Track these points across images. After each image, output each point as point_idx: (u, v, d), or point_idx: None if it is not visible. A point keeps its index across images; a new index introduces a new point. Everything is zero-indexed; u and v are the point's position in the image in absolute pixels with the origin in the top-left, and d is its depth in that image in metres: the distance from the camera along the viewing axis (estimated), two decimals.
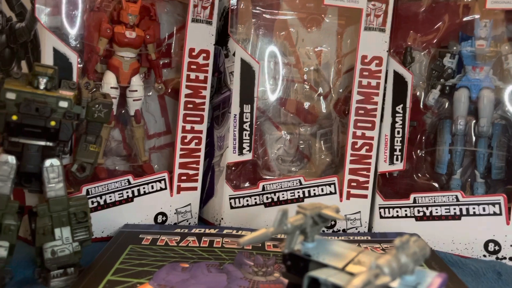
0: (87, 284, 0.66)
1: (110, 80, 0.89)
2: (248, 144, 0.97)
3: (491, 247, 0.89)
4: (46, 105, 0.68)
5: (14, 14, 0.82)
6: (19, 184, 0.72)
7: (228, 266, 0.74)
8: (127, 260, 0.74)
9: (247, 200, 0.98)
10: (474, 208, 0.91)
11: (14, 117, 0.66)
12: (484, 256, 0.90)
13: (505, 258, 0.88)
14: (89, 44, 0.89)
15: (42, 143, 0.70)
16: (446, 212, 0.93)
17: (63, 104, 0.70)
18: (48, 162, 0.71)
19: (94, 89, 0.89)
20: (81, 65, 0.87)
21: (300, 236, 0.55)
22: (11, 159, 0.68)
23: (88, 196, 0.88)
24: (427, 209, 0.94)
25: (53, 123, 0.69)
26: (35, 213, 0.72)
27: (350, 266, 0.51)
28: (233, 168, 1.01)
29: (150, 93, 0.99)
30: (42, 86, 0.70)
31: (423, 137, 1.02)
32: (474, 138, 0.95)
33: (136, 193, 0.92)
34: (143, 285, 0.66)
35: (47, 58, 0.79)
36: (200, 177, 0.98)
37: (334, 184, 0.98)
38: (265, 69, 1.04)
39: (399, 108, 0.97)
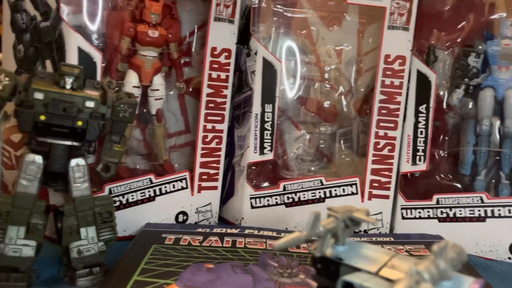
0: (114, 284, 0.66)
1: (132, 79, 0.89)
2: (269, 144, 0.96)
3: None
4: (73, 105, 0.68)
5: (39, 13, 0.82)
6: (44, 183, 0.72)
7: (253, 267, 0.74)
8: (151, 260, 0.74)
9: (267, 200, 0.97)
10: (499, 210, 0.90)
11: (42, 117, 0.67)
12: (509, 258, 0.89)
13: None
14: (112, 43, 0.89)
15: (69, 143, 0.71)
16: (470, 213, 0.92)
17: (90, 104, 0.70)
18: (74, 162, 0.71)
19: (117, 88, 0.89)
20: (104, 64, 0.87)
21: (331, 239, 0.55)
22: (38, 158, 0.69)
23: (111, 195, 0.88)
24: (450, 210, 0.93)
25: (80, 123, 0.69)
26: (60, 212, 0.72)
27: (384, 270, 0.50)
28: (253, 167, 1.01)
29: (172, 92, 0.99)
30: (68, 86, 0.70)
31: (446, 137, 1.01)
32: (498, 139, 0.94)
33: (157, 192, 0.92)
34: (170, 286, 0.66)
35: (72, 58, 0.79)
36: (220, 177, 0.98)
37: (356, 184, 0.97)
38: (284, 68, 1.03)
39: (422, 108, 0.96)
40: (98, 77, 0.81)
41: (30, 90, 0.67)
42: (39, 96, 0.67)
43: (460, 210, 0.93)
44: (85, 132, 0.70)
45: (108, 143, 0.76)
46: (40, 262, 0.72)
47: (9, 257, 0.67)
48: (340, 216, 0.54)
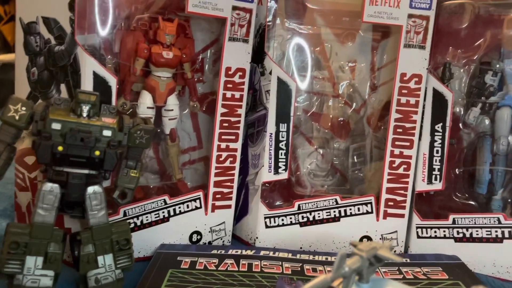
0: None
1: (146, 100, 0.88)
2: (284, 163, 0.96)
3: None
4: (90, 134, 0.67)
5: (53, 36, 0.81)
6: (61, 209, 0.71)
7: None
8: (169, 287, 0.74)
9: (282, 220, 0.97)
10: None
11: (60, 148, 0.66)
12: None
13: None
14: (125, 64, 0.88)
15: (86, 171, 0.70)
16: (487, 234, 0.91)
17: (107, 133, 0.69)
18: (91, 189, 0.71)
19: (131, 109, 0.89)
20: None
21: (355, 277, 0.55)
22: (56, 188, 0.68)
23: (125, 217, 0.87)
24: (467, 230, 0.93)
25: (97, 153, 0.68)
26: (77, 239, 0.72)
27: None
28: (267, 184, 1.00)
29: (186, 111, 0.98)
30: (85, 114, 0.69)
31: (462, 155, 1.00)
32: None
33: (172, 213, 0.92)
34: None
35: (87, 83, 0.78)
36: (234, 195, 0.97)
37: (371, 203, 0.97)
38: (298, 83, 1.02)
39: (438, 127, 0.95)
40: (113, 101, 0.80)
41: (47, 121, 0.66)
42: (56, 126, 0.66)
43: (477, 231, 0.92)
44: (103, 161, 0.69)
45: (125, 169, 0.76)
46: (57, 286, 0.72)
47: None
48: (365, 255, 0.54)
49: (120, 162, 0.76)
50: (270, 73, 0.93)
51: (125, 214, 0.88)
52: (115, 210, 0.87)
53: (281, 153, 0.95)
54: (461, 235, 0.93)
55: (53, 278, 0.68)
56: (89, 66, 0.78)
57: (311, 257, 0.89)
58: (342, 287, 0.53)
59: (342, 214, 0.97)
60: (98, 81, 0.79)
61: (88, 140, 0.67)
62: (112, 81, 0.80)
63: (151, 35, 0.88)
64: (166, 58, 0.86)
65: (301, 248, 0.97)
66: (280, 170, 0.96)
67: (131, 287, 0.76)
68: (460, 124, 0.98)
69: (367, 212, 0.97)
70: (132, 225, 0.89)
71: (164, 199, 0.91)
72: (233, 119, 0.94)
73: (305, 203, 0.97)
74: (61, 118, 0.67)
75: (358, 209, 0.97)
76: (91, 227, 0.71)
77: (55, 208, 0.69)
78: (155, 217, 0.91)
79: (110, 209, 0.86)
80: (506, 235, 0.90)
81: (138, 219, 0.89)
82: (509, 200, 0.95)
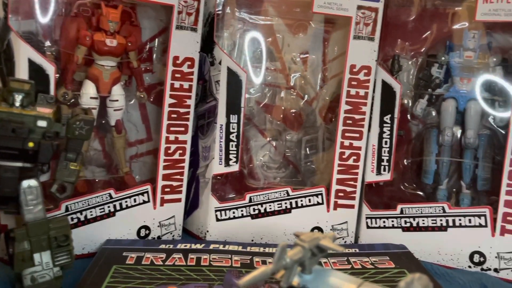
0: None
1: (89, 90, 0.85)
2: (234, 155, 0.94)
3: (476, 258, 0.90)
4: (23, 125, 0.63)
5: None
6: None
7: None
8: (112, 284, 0.71)
9: (233, 212, 0.95)
10: (460, 220, 0.91)
11: None
12: (469, 267, 0.91)
13: (489, 269, 0.90)
14: (66, 52, 0.84)
15: (19, 164, 0.66)
16: (433, 223, 0.93)
17: (42, 123, 0.65)
18: (25, 183, 0.67)
19: (73, 100, 0.84)
20: (58, 75, 0.82)
21: (298, 268, 0.54)
22: None
23: (67, 213, 0.84)
24: (414, 220, 0.94)
25: (31, 144, 0.64)
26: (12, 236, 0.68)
27: None
28: (218, 177, 0.98)
29: (132, 102, 0.95)
30: (18, 103, 0.65)
31: (410, 146, 1.01)
32: (460, 149, 0.96)
33: (118, 207, 0.89)
34: None
35: (22, 70, 0.73)
36: (184, 188, 0.95)
37: (321, 194, 0.97)
38: (250, 75, 1.01)
39: (387, 118, 0.96)
40: (52, 91, 0.76)
41: None
42: None
43: (423, 220, 0.94)
44: (38, 153, 0.65)
45: (64, 161, 0.72)
46: None
47: None
48: (307, 245, 0.53)
49: (59, 154, 0.72)
50: (220, 63, 0.91)
51: (67, 209, 0.84)
52: (56, 205, 0.82)
53: (232, 145, 0.94)
54: (408, 224, 0.95)
55: None
56: (23, 53, 0.73)
57: (261, 250, 0.88)
58: (284, 279, 0.53)
59: (293, 205, 0.96)
60: (34, 69, 0.74)
61: (20, 131, 0.63)
62: (50, 69, 0.76)
63: (94, 22, 0.84)
64: (109, 46, 0.83)
65: (252, 240, 0.96)
66: (231, 163, 0.95)
67: (73, 285, 0.73)
68: (408, 116, 1.00)
69: (318, 204, 0.97)
70: (75, 221, 0.85)
71: (110, 193, 0.88)
72: (182, 110, 0.92)
73: (257, 195, 0.96)
74: None
75: (309, 201, 0.97)
76: (26, 223, 0.67)
77: None
78: (100, 212, 0.87)
79: (50, 204, 0.82)
80: (450, 223, 0.92)
81: (81, 214, 0.85)
82: (454, 189, 0.98)
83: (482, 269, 0.90)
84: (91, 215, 0.86)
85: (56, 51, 0.83)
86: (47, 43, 0.82)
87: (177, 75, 0.89)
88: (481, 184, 0.94)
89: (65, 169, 0.72)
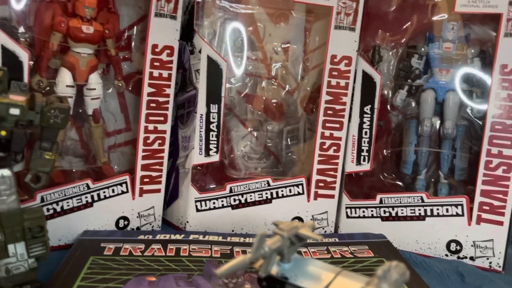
0: None
1: (65, 78, 0.82)
2: (215, 145, 0.93)
3: (453, 247, 0.92)
4: None
5: None
6: None
7: (197, 278, 0.72)
8: (89, 276, 0.70)
9: (213, 203, 0.95)
10: (438, 209, 0.93)
11: None
12: (446, 255, 0.92)
13: (465, 257, 0.91)
14: (41, 38, 0.81)
15: None
16: (411, 212, 0.94)
17: (15, 111, 0.63)
18: None
19: (48, 88, 0.82)
20: (32, 62, 0.80)
21: (276, 257, 0.54)
22: None
23: (43, 203, 0.82)
24: (393, 209, 0.95)
25: (3, 133, 0.62)
26: None
27: None
28: (198, 168, 0.97)
29: (110, 90, 0.93)
30: None
31: (390, 137, 1.02)
32: (439, 139, 0.97)
33: (96, 198, 0.87)
34: None
35: None
36: (163, 179, 0.94)
37: (302, 184, 0.97)
38: (231, 64, 1.00)
39: (367, 109, 0.96)
40: (26, 78, 0.74)
41: None
42: None
43: (402, 209, 0.95)
44: (10, 142, 0.63)
45: (38, 151, 0.70)
46: None
47: None
48: (286, 234, 0.53)
49: (33, 143, 0.70)
50: (200, 52, 0.90)
51: (42, 200, 0.82)
52: (31, 195, 0.81)
53: (212, 134, 0.93)
54: (387, 214, 0.96)
55: None
56: None
57: (241, 240, 0.88)
58: (263, 268, 0.52)
59: (274, 196, 0.96)
60: (7, 55, 0.72)
61: None
62: (24, 56, 0.74)
63: (69, 8, 0.82)
64: (86, 33, 0.81)
65: (233, 231, 0.96)
66: (211, 153, 0.94)
67: (49, 277, 0.71)
68: (388, 106, 1.01)
69: (298, 194, 0.97)
70: (51, 211, 0.83)
71: (87, 183, 0.86)
72: (161, 99, 0.90)
73: (237, 186, 0.95)
74: None
75: (290, 191, 0.97)
76: None
77: None
78: (77, 203, 0.86)
79: (25, 195, 0.81)
80: (428, 213, 0.93)
81: (58, 204, 0.84)
82: (432, 179, 0.99)
83: (458, 257, 0.92)
84: (68, 205, 0.85)
85: (31, 38, 0.81)
86: (21, 29, 0.80)
87: (156, 64, 0.88)
88: (459, 174, 0.95)
89: (40, 158, 0.70)
